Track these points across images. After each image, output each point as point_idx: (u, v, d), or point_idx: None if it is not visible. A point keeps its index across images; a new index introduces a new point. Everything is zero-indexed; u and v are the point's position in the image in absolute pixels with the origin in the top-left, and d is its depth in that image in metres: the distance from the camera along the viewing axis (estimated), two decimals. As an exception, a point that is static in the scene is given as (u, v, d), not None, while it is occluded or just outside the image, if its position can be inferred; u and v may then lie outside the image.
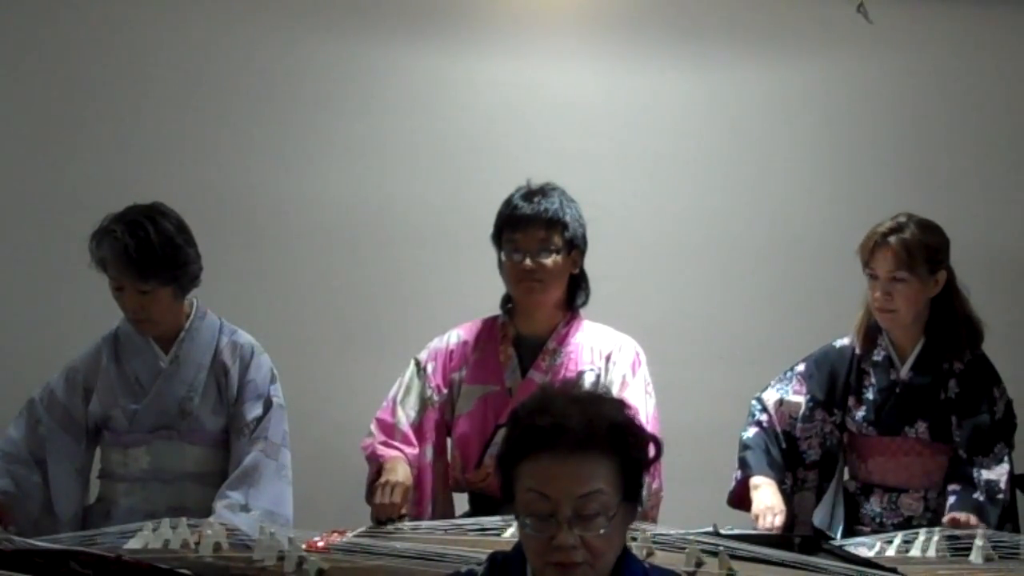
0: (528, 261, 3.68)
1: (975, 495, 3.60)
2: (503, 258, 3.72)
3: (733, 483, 3.81)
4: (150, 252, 3.58)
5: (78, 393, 3.75)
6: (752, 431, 3.82)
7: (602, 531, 2.29)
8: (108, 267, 3.62)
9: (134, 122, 4.79)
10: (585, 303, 3.81)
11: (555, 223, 3.68)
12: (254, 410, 3.72)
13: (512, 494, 2.35)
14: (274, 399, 3.75)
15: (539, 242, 3.67)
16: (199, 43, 4.82)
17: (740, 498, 3.78)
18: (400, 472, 3.58)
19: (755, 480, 3.72)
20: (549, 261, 3.68)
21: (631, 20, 4.90)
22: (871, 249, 3.69)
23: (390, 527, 3.41)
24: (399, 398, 3.76)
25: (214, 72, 4.82)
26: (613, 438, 2.31)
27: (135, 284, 3.61)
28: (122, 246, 3.57)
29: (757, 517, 3.61)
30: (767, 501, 3.64)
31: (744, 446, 3.80)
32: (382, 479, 3.54)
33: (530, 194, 3.72)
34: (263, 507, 3.60)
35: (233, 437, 3.73)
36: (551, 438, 2.29)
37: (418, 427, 3.75)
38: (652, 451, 2.40)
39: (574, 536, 2.27)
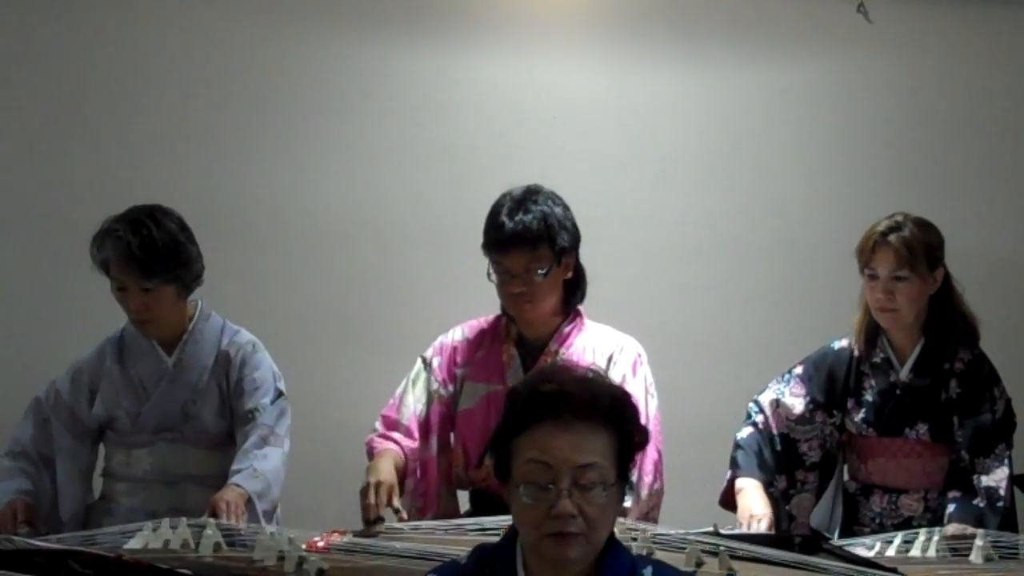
0: (517, 283, 3.61)
1: (975, 502, 3.60)
2: (493, 278, 3.65)
3: (725, 483, 3.81)
4: (153, 249, 3.59)
5: (83, 394, 3.76)
6: (747, 431, 3.81)
7: (601, 501, 2.30)
8: (111, 267, 3.63)
9: (134, 123, 4.80)
10: (582, 300, 3.77)
11: (539, 240, 3.58)
12: (255, 400, 3.71)
13: (508, 472, 2.36)
14: (280, 393, 3.76)
15: (525, 264, 3.59)
16: (199, 43, 4.82)
17: (728, 498, 3.78)
18: (383, 471, 3.54)
19: (740, 483, 3.73)
20: (538, 280, 3.61)
21: (631, 20, 4.90)
22: (871, 249, 3.68)
23: (380, 527, 3.38)
24: (405, 393, 3.76)
25: (214, 72, 4.83)
26: (613, 411, 2.34)
27: (138, 282, 3.62)
28: (125, 244, 3.58)
29: (741, 524, 3.61)
30: (751, 507, 3.65)
31: (736, 446, 3.80)
32: (368, 480, 3.51)
33: (512, 209, 3.60)
34: (267, 471, 3.61)
35: (237, 427, 3.73)
36: (555, 405, 2.31)
37: (425, 419, 3.74)
38: (645, 434, 2.42)
39: (573, 505, 2.29)
